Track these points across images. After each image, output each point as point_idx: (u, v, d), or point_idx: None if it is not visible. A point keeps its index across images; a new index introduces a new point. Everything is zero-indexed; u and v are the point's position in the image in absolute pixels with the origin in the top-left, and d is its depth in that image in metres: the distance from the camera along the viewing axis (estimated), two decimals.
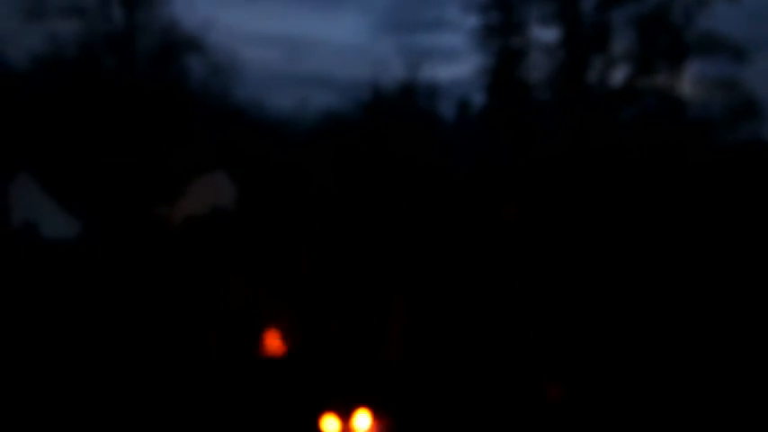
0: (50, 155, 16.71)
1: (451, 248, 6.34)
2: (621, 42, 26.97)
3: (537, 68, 28.33)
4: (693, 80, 25.81)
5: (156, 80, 23.07)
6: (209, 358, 5.47)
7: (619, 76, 27.22)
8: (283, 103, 41.30)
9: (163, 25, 23.43)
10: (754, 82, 29.34)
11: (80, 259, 8.24)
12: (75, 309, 6.39)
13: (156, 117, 19.20)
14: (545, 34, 28.21)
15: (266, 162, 16.78)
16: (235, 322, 6.08)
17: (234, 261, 6.60)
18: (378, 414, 4.47)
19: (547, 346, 5.50)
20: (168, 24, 23.42)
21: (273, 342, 5.85)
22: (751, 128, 24.65)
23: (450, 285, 5.81)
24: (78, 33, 22.59)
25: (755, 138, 24.11)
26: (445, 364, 5.10)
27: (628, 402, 4.87)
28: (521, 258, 6.16)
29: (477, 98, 30.17)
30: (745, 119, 24.60)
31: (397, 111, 29.92)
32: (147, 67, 23.75)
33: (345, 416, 4.41)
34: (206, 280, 6.82)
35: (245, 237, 6.85)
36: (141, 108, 19.82)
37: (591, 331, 5.78)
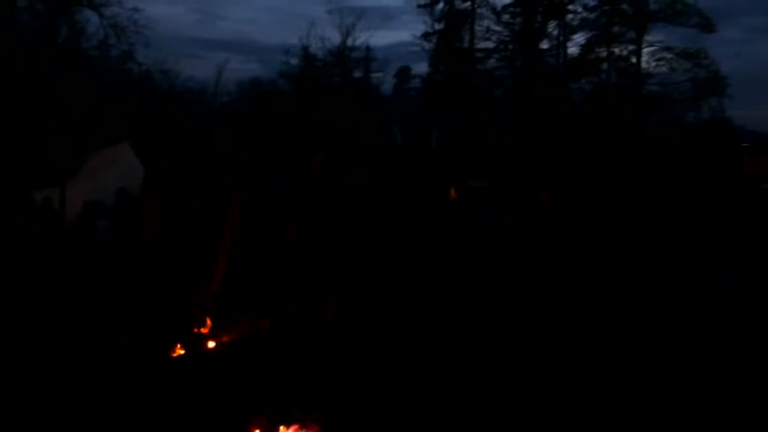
0: None
1: (392, 230, 6.49)
2: (580, 8, 27.79)
3: (487, 35, 28.84)
4: (656, 51, 26.77)
5: (45, 40, 22.26)
6: (117, 361, 5.43)
7: (576, 44, 28.11)
8: (197, 69, 40.52)
9: None
10: (720, 55, 30.64)
11: None
12: None
13: (44, 82, 18.55)
14: None
15: (178, 134, 16.50)
16: (144, 320, 6.04)
17: (143, 251, 6.52)
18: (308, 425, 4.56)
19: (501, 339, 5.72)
20: None
21: (192, 339, 5.86)
22: (715, 104, 25.73)
23: (392, 269, 5.94)
24: None
25: (719, 115, 25.22)
26: (385, 357, 5.23)
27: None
28: (472, 243, 6.36)
29: (419, 67, 30.41)
30: (710, 94, 25.65)
31: (328, 79, 29.87)
32: (32, 24, 22.88)
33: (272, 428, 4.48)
34: (109, 274, 6.73)
35: (154, 223, 6.77)
36: (24, 71, 19.09)
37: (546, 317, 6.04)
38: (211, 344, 5.96)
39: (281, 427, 4.55)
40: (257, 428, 4.53)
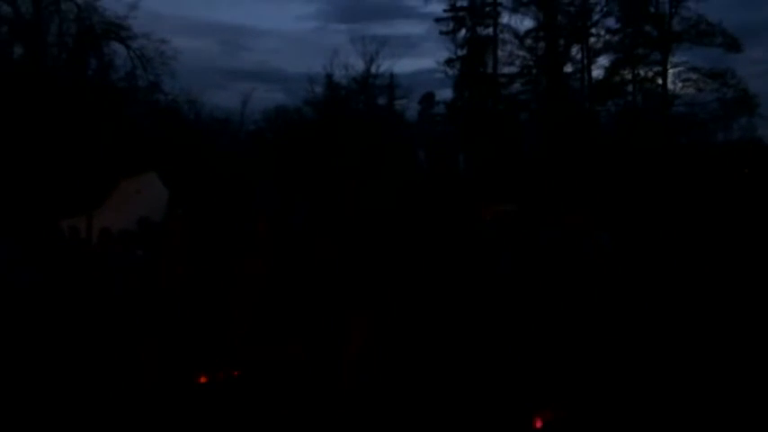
0: None
1: (420, 257, 6.34)
2: (603, 31, 27.63)
3: (510, 59, 28.78)
4: (682, 72, 26.49)
5: (74, 71, 22.60)
6: (145, 387, 5.35)
7: (600, 67, 27.92)
8: (223, 98, 41.05)
9: (80, 11, 22.95)
10: (747, 74, 30.11)
11: None
12: None
13: (73, 112, 18.78)
14: (518, 23, 28.67)
15: (204, 164, 16.58)
16: (173, 350, 5.94)
17: (168, 281, 6.44)
18: None
19: (531, 367, 5.51)
20: (86, 10, 22.96)
21: (219, 366, 5.76)
22: (745, 124, 25.34)
23: (420, 296, 5.79)
24: None
25: (750, 135, 24.81)
26: (412, 388, 5.07)
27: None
28: (499, 269, 6.19)
29: (443, 93, 30.32)
30: (740, 114, 25.28)
31: (352, 107, 29.92)
32: (62, 57, 23.25)
33: None
34: (135, 303, 6.66)
35: (179, 250, 6.70)
36: (55, 102, 19.37)
37: (581, 349, 5.82)
38: (236, 371, 5.83)
39: None
40: None
